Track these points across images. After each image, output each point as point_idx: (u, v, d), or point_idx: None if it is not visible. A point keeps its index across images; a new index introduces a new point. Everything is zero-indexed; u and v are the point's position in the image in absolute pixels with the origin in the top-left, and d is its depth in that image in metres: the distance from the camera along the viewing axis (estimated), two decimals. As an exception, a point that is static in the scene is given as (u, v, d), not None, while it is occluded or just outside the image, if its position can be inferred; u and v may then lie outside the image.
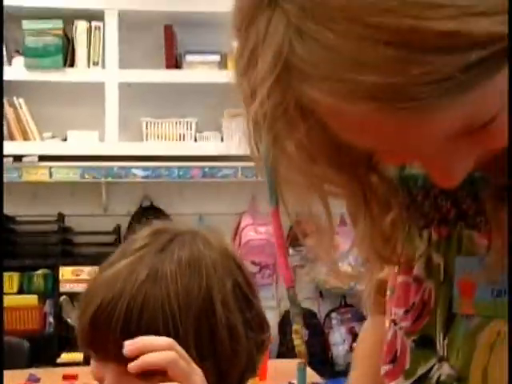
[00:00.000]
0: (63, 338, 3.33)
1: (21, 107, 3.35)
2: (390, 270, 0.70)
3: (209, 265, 0.76)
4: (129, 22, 3.40)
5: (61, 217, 3.51)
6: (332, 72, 0.42)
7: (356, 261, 0.71)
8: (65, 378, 2.56)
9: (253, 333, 0.78)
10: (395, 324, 0.68)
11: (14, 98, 3.34)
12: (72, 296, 3.37)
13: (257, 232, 3.54)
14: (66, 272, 3.35)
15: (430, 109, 0.44)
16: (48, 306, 3.37)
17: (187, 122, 3.48)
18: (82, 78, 3.38)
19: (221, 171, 3.47)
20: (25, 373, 2.60)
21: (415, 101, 0.43)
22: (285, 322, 3.46)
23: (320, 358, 3.48)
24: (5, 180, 3.29)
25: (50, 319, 3.35)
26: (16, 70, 3.33)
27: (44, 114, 3.40)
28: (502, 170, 0.53)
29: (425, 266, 0.63)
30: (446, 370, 0.63)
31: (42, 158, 3.33)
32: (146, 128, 3.46)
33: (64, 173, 3.38)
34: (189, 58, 3.49)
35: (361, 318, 3.22)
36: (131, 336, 0.69)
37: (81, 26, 3.39)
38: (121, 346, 0.68)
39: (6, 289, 3.27)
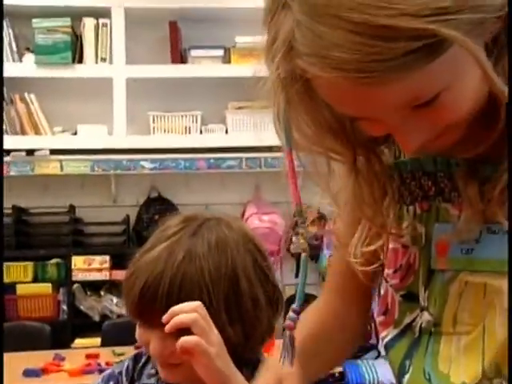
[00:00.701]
0: (76, 325, 3.46)
1: (32, 103, 3.45)
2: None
3: (232, 246, 0.92)
4: (135, 19, 3.48)
5: (72, 208, 3.63)
6: (316, 51, 0.59)
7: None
8: (88, 357, 2.70)
9: (270, 301, 0.94)
10: (386, 281, 0.81)
11: (26, 94, 3.44)
12: (84, 284, 3.49)
13: (261, 220, 3.64)
14: (78, 261, 3.47)
15: (382, 81, 0.59)
16: (61, 294, 3.48)
17: (193, 115, 3.57)
18: (90, 73, 3.48)
19: (226, 162, 3.57)
20: (50, 353, 2.74)
21: (370, 73, 0.58)
22: (289, 307, 3.57)
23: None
24: (17, 173, 3.42)
25: (64, 307, 3.47)
26: (27, 67, 3.43)
27: (54, 109, 3.50)
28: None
29: (411, 235, 0.76)
30: (426, 317, 0.76)
31: (53, 151, 3.44)
32: (153, 121, 3.55)
33: (74, 166, 3.49)
34: (193, 52, 3.57)
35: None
36: (174, 304, 0.85)
37: (88, 23, 3.48)
38: (166, 309, 0.84)
39: (21, 278, 3.41)
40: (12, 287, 3.38)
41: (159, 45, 3.59)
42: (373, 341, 3.43)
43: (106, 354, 2.75)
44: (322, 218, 3.71)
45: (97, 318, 3.43)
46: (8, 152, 3.33)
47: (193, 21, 3.58)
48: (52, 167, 3.46)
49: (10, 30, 3.42)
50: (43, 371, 2.59)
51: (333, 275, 0.97)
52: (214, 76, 3.54)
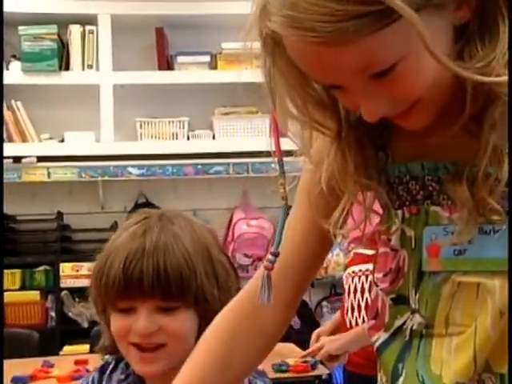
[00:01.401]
0: (65, 332, 3.46)
1: (18, 110, 3.45)
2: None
3: (198, 226, 0.99)
4: (121, 26, 3.49)
5: (59, 215, 3.62)
6: (279, 10, 0.64)
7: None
8: (76, 363, 2.70)
9: (231, 267, 1.01)
10: (376, 285, 0.82)
11: (12, 102, 3.44)
12: (72, 291, 3.49)
13: (249, 225, 3.65)
14: (66, 268, 3.47)
15: (336, 42, 0.62)
16: (50, 301, 3.48)
17: (180, 121, 3.58)
18: (77, 80, 3.49)
19: (213, 168, 3.58)
20: (38, 360, 2.73)
21: (323, 33, 0.62)
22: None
23: (312, 345, 3.60)
24: (5, 181, 3.40)
25: (52, 314, 3.47)
26: (13, 75, 3.42)
27: (41, 116, 3.50)
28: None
29: (399, 238, 0.78)
30: (417, 319, 0.77)
31: (41, 158, 3.44)
32: (141, 128, 3.56)
33: (62, 173, 3.49)
34: (180, 59, 3.60)
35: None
36: (162, 272, 0.89)
37: (75, 31, 3.49)
38: (155, 284, 0.89)
39: (8, 285, 3.38)
40: (-1, 295, 3.37)
41: (146, 51, 3.60)
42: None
43: (95, 360, 2.74)
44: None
45: (85, 325, 3.43)
46: (-5, 159, 3.33)
47: (179, 27, 3.60)
48: (39, 174, 3.46)
49: (-4, 38, 3.42)
50: (31, 378, 2.57)
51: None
52: (201, 82, 3.56)
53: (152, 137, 3.57)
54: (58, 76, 3.46)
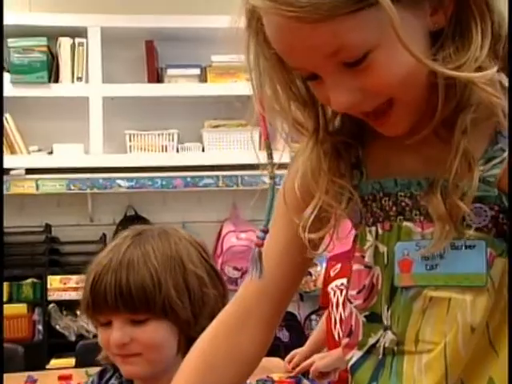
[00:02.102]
0: (52, 345, 3.43)
1: (7, 122, 3.44)
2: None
3: (175, 237, 1.01)
4: (111, 38, 3.49)
5: (48, 227, 3.60)
6: None
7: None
8: (60, 378, 2.67)
9: (214, 281, 1.02)
10: (350, 302, 0.82)
11: (1, 113, 3.43)
12: (60, 304, 3.46)
13: (238, 238, 3.64)
14: (53, 281, 3.44)
15: (310, 19, 0.63)
16: (37, 315, 3.45)
17: (169, 134, 3.58)
18: (66, 92, 3.48)
19: (202, 180, 3.58)
20: (22, 375, 2.70)
21: (298, 8, 0.63)
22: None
23: (301, 358, 3.59)
24: (-7, 193, 3.39)
25: (39, 327, 3.44)
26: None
27: (30, 128, 3.49)
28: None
29: (373, 255, 0.78)
30: (389, 336, 0.77)
31: (29, 170, 3.43)
32: (130, 140, 3.55)
33: (50, 185, 3.47)
34: (170, 71, 3.60)
35: (339, 319, 3.34)
36: (124, 288, 0.92)
37: (64, 43, 3.49)
38: (118, 297, 0.92)
39: (-5, 298, 3.36)
40: (-14, 308, 3.34)
41: (135, 64, 3.61)
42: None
43: (78, 375, 2.72)
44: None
45: (73, 338, 3.40)
46: (-17, 171, 3.31)
47: (169, 40, 3.61)
48: (27, 186, 3.45)
49: (-15, 50, 3.41)
50: (15, 394, 2.54)
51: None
52: (191, 95, 3.56)
53: (141, 149, 3.56)
54: (47, 88, 3.45)
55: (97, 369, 2.78)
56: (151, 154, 3.56)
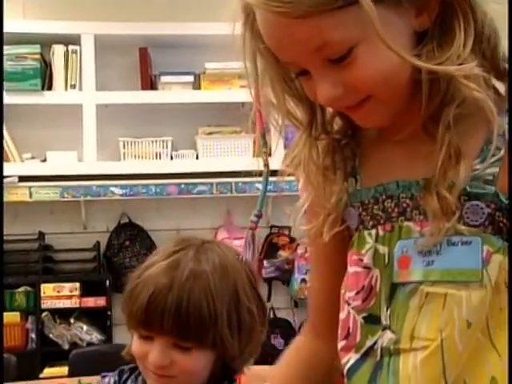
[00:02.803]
0: (45, 354, 3.41)
1: (0, 130, 3.43)
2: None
3: (232, 266, 0.98)
4: (104, 46, 3.49)
5: (41, 235, 3.59)
6: None
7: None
8: (52, 388, 2.65)
9: (260, 311, 1.00)
10: (348, 304, 0.83)
11: (-6, 121, 3.42)
12: (54, 312, 3.44)
13: (232, 246, 3.63)
14: (47, 289, 3.42)
15: (296, 14, 0.68)
16: (30, 323, 3.43)
17: (163, 141, 3.57)
18: (59, 100, 3.47)
19: (196, 187, 3.57)
20: (14, 386, 2.68)
21: (284, 3, 0.68)
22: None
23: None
24: (-15, 200, 3.37)
25: (33, 335, 3.41)
26: (-5, 94, 3.40)
27: (23, 135, 3.48)
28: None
29: (372, 257, 0.80)
30: (387, 335, 0.77)
31: (22, 178, 3.41)
32: (124, 147, 3.54)
33: (44, 192, 3.46)
34: (163, 78, 3.59)
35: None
36: (183, 316, 0.91)
37: (58, 50, 3.48)
38: (174, 323, 0.90)
39: (-12, 307, 3.34)
40: (-21, 317, 3.32)
41: (129, 71, 3.60)
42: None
43: (70, 384, 2.70)
44: (293, 242, 3.73)
45: (66, 346, 3.38)
46: (-24, 179, 3.30)
47: (163, 47, 3.61)
48: (21, 194, 3.43)
49: (-21, 57, 3.40)
50: (9, 403, 2.53)
51: (313, 308, 0.98)
52: (184, 102, 3.56)
53: (135, 156, 3.56)
54: (40, 96, 3.44)
55: (90, 378, 2.77)
56: (145, 162, 3.55)
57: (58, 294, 3.41)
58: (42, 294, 3.42)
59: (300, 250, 3.67)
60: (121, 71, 3.62)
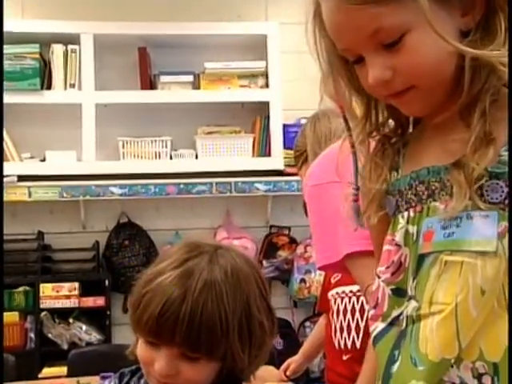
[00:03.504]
0: (44, 353, 3.41)
1: (0, 129, 3.42)
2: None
3: (245, 276, 0.97)
4: (104, 45, 3.49)
5: (40, 235, 3.59)
6: None
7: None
8: (52, 387, 2.65)
9: (269, 323, 1.00)
10: (379, 277, 0.89)
11: (-7, 120, 3.41)
12: (52, 312, 3.44)
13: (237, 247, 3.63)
14: (46, 289, 3.42)
15: (352, 2, 0.78)
16: (29, 323, 3.43)
17: (162, 141, 3.57)
18: (59, 99, 3.47)
19: (196, 187, 3.57)
20: (12, 386, 2.68)
21: None
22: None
23: (295, 365, 3.58)
24: (-16, 200, 3.37)
25: (32, 335, 3.41)
26: (-6, 93, 3.40)
27: (22, 135, 3.48)
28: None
29: (403, 236, 0.86)
30: (412, 304, 0.83)
31: (21, 178, 3.41)
32: (123, 147, 3.54)
33: (43, 192, 3.45)
34: (163, 78, 3.59)
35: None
36: (195, 328, 0.89)
37: (57, 50, 3.48)
38: (186, 336, 0.89)
39: (-13, 306, 3.34)
40: (-22, 316, 3.31)
41: (129, 71, 3.60)
42: (315, 374, 3.48)
43: (69, 384, 2.70)
44: (292, 242, 3.73)
45: (65, 346, 3.38)
46: (-25, 179, 3.29)
47: (162, 47, 3.61)
48: (20, 194, 3.43)
49: (-22, 56, 3.40)
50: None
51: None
52: (184, 101, 3.56)
53: (134, 156, 3.55)
54: (39, 95, 3.44)
55: (89, 378, 2.77)
56: (144, 161, 3.55)
57: (56, 294, 3.41)
58: (40, 294, 3.41)
59: (299, 250, 3.68)
60: (120, 71, 3.61)
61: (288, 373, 2.21)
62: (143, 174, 3.50)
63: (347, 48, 0.84)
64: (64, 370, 3.11)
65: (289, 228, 3.74)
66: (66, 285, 3.42)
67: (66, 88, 3.48)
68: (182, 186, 3.55)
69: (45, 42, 3.45)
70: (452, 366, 0.78)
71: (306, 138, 1.92)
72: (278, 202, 3.67)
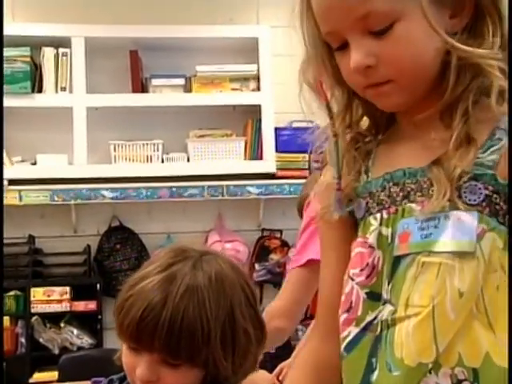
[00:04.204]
0: (35, 358, 3.38)
1: (-10, 132, 3.40)
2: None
3: (230, 281, 0.95)
4: (95, 48, 3.48)
5: (31, 239, 3.57)
6: None
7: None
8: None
9: (257, 331, 0.97)
10: (352, 280, 0.86)
11: (-17, 124, 3.39)
12: (44, 316, 3.42)
13: (224, 249, 3.62)
14: (37, 293, 3.40)
15: None
16: (20, 327, 3.41)
17: (154, 144, 3.56)
18: (50, 103, 3.45)
19: (187, 191, 3.56)
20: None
21: None
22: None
23: (287, 369, 3.57)
24: (-25, 204, 3.34)
25: (22, 340, 3.39)
26: (-15, 97, 3.38)
27: (13, 138, 3.44)
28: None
29: (376, 238, 0.83)
30: (387, 308, 0.80)
31: (12, 181, 3.39)
32: (114, 150, 3.53)
33: (34, 196, 3.44)
34: (154, 81, 3.58)
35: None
36: (175, 334, 0.88)
37: (48, 53, 3.46)
38: (166, 342, 0.87)
39: (-23, 311, 3.31)
40: (-32, 321, 3.29)
41: (120, 74, 3.59)
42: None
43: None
44: (284, 246, 3.73)
45: (56, 351, 3.36)
46: (-35, 182, 3.27)
47: (154, 50, 3.60)
48: (11, 197, 3.40)
49: (-32, 60, 3.38)
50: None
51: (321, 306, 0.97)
52: (175, 105, 3.56)
53: (126, 159, 3.54)
54: (30, 98, 3.43)
55: (80, 383, 2.74)
56: (136, 165, 3.53)
57: (48, 298, 3.39)
58: (31, 298, 3.39)
59: (291, 254, 3.67)
60: (111, 74, 3.60)
61: (281, 377, 2.20)
62: (135, 178, 3.49)
63: (333, 31, 0.81)
64: (55, 374, 3.09)
65: (280, 231, 3.74)
66: (57, 289, 3.40)
67: (57, 91, 3.47)
68: (173, 189, 3.55)
69: (36, 45, 3.44)
70: (430, 373, 0.75)
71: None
72: (270, 205, 3.67)
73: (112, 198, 3.50)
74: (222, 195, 3.57)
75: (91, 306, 3.44)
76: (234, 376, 0.96)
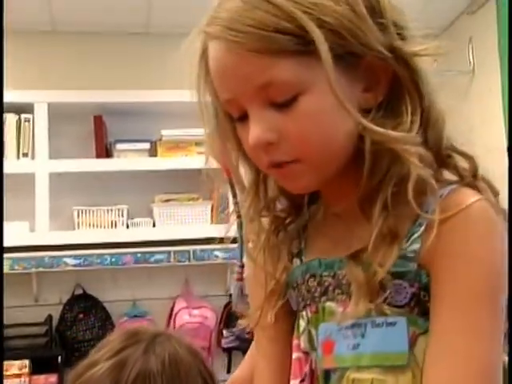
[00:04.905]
0: None
1: None
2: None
3: (185, 367, 0.88)
4: (58, 114, 3.45)
5: (-11, 310, 3.43)
6: (211, 16, 0.72)
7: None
8: None
9: None
10: None
11: None
12: (1, 392, 3.26)
13: (191, 315, 3.55)
14: (-6, 367, 3.25)
15: (245, 47, 0.66)
16: (-25, 405, 3.24)
17: (119, 209, 3.51)
18: (11, 169, 3.38)
19: (153, 256, 3.49)
20: None
21: (239, 32, 0.66)
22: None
23: None
24: None
25: (-22, 418, 3.22)
26: None
27: (-28, 206, 3.37)
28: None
29: (308, 340, 0.76)
30: None
31: (-30, 250, 3.29)
32: (78, 216, 3.47)
33: (-7, 265, 3.33)
34: (119, 146, 3.56)
35: None
36: None
37: (10, 119, 3.42)
38: None
39: None
40: None
41: (84, 139, 3.56)
42: None
43: None
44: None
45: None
46: None
47: (118, 115, 3.59)
48: (-32, 267, 3.29)
49: None
50: None
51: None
52: (140, 169, 3.52)
53: (90, 225, 3.48)
54: (-9, 165, 3.36)
55: None
56: (100, 231, 3.47)
57: (6, 374, 3.23)
58: (-12, 373, 3.23)
59: (260, 319, 3.60)
60: (75, 139, 3.57)
61: None
62: (99, 244, 3.41)
63: (231, 98, 0.71)
64: None
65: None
66: (16, 362, 3.25)
67: (18, 157, 3.42)
68: (139, 255, 3.48)
69: (-3, 111, 3.40)
70: None
71: None
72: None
73: (75, 266, 3.42)
74: (189, 260, 3.51)
75: (52, 379, 3.28)
76: None
